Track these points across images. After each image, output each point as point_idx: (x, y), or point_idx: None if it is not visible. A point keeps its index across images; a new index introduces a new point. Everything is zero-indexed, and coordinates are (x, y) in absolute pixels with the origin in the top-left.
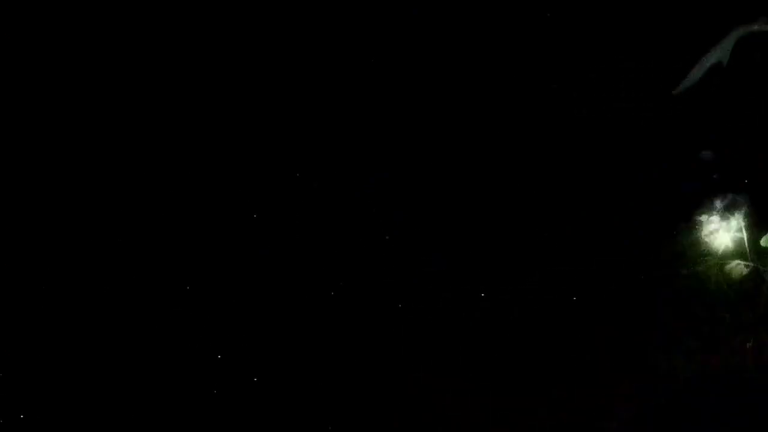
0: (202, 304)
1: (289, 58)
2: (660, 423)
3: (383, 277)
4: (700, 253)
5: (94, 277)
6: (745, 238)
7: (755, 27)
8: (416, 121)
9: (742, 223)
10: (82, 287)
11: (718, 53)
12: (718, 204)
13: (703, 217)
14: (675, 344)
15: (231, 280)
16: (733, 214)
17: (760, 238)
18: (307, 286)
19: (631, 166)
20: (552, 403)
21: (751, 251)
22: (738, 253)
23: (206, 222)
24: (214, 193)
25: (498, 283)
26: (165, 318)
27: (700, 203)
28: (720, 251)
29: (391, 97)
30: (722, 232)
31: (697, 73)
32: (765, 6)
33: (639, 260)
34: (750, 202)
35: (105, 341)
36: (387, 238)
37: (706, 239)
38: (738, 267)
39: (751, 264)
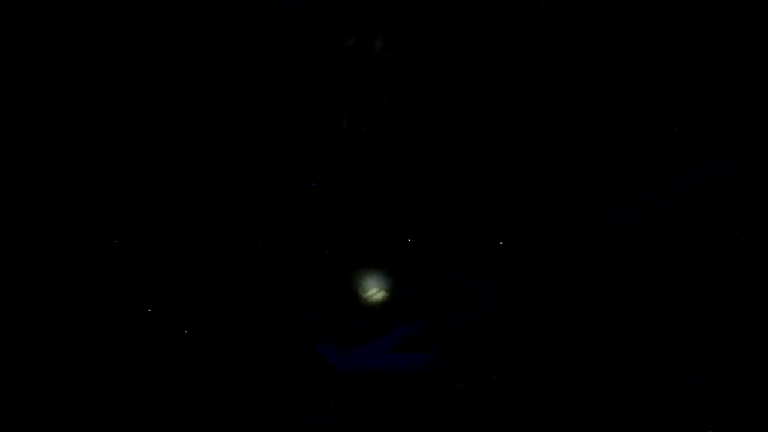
0: (200, 303)
1: (289, 59)
2: (660, 423)
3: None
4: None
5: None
6: None
7: None
8: (415, 121)
9: None
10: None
11: None
12: None
13: None
14: (676, 344)
15: (230, 281)
16: None
17: None
18: (306, 286)
19: (631, 165)
20: (553, 402)
21: None
22: None
23: (204, 222)
24: (213, 193)
25: (497, 282)
26: (163, 320)
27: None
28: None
29: (391, 96)
30: None
31: None
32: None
33: (639, 260)
34: None
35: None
36: (386, 237)
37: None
38: None
39: None
